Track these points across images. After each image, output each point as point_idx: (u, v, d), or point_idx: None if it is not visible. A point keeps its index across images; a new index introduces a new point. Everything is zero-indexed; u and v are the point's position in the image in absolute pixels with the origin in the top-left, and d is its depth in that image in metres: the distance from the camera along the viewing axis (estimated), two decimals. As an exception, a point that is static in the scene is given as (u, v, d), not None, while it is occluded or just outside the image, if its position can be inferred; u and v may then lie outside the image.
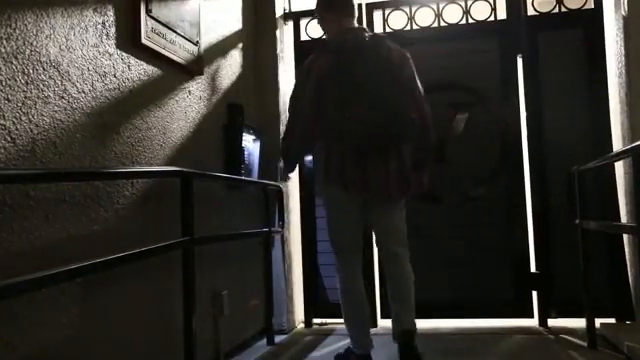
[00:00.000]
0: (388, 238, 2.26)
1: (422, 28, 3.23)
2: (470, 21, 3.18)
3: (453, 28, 3.20)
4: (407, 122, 2.13)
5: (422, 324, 3.09)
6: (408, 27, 3.26)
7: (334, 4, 2.33)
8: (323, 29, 2.43)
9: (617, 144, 2.90)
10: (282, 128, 3.26)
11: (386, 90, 2.12)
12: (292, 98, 2.32)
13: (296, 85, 2.34)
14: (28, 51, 1.46)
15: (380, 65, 2.14)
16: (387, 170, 2.17)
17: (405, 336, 2.16)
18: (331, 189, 2.21)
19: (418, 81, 2.23)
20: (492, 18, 3.16)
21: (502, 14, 3.15)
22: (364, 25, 2.90)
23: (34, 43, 1.48)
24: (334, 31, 2.31)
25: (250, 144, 2.90)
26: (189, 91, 2.37)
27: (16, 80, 1.42)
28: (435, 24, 3.22)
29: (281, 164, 2.70)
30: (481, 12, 3.18)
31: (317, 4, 2.40)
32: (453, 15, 3.21)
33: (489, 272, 3.07)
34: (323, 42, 2.28)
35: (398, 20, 3.28)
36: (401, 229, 2.26)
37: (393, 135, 2.13)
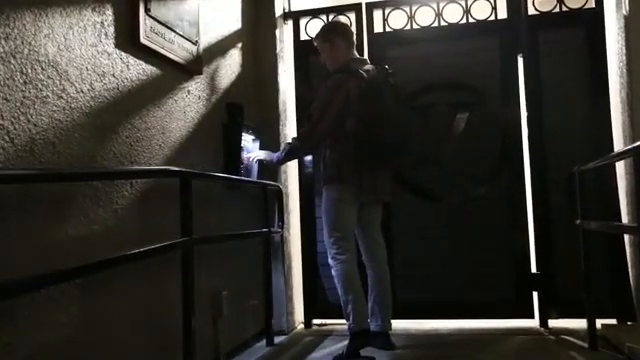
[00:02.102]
0: (374, 229, 2.68)
1: (422, 28, 3.22)
2: (470, 20, 3.17)
3: (453, 27, 3.19)
4: (413, 141, 2.57)
5: (422, 324, 3.11)
6: (408, 27, 3.25)
7: (345, 30, 2.70)
8: (329, 54, 2.66)
9: (618, 144, 2.89)
10: (282, 128, 3.25)
11: (401, 113, 2.51)
12: (318, 109, 2.52)
13: (324, 100, 2.52)
14: (26, 50, 1.45)
15: (393, 92, 2.52)
16: (385, 178, 2.64)
17: (386, 338, 2.58)
18: (343, 189, 2.52)
19: None
20: (493, 17, 3.14)
21: (502, 13, 3.14)
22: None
23: (32, 42, 1.48)
24: (343, 58, 2.61)
25: (249, 144, 2.89)
26: (188, 91, 2.36)
27: (14, 80, 1.41)
28: (435, 23, 3.21)
29: (265, 157, 2.84)
30: (481, 11, 3.16)
31: (327, 30, 2.71)
32: (453, 15, 3.20)
33: (489, 272, 3.06)
34: (346, 67, 2.57)
35: (398, 20, 3.27)
36: (378, 230, 2.71)
37: (405, 151, 2.57)
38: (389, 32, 3.25)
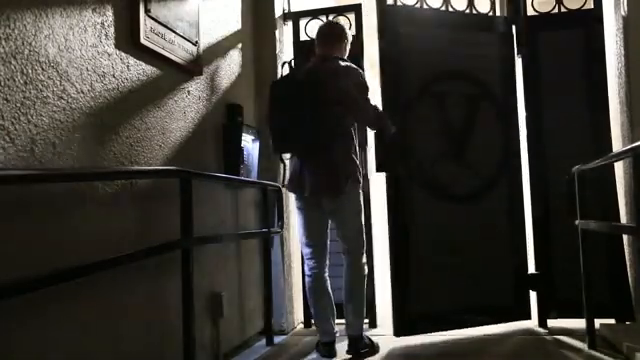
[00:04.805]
0: (341, 226, 2.58)
1: (432, 9, 3.07)
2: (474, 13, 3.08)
3: (460, 15, 3.07)
4: (332, 135, 2.47)
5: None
6: (418, 4, 3.06)
7: (320, 31, 2.72)
8: None
9: (617, 144, 2.89)
10: (282, 128, 3.25)
11: (315, 106, 2.42)
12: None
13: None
14: (27, 51, 1.46)
15: (297, 85, 2.47)
16: (320, 172, 2.49)
17: (352, 342, 2.57)
18: (295, 196, 2.62)
19: (363, 89, 2.52)
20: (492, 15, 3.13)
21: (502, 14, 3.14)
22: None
23: (33, 43, 1.48)
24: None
25: (249, 144, 2.89)
26: (188, 91, 2.37)
27: (15, 80, 1.41)
28: (443, 7, 3.07)
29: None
30: (483, 10, 3.13)
31: None
32: (459, 2, 3.09)
33: (489, 273, 3.01)
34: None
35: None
36: (351, 225, 2.56)
37: (320, 145, 2.45)
38: (400, 6, 3.05)
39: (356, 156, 2.55)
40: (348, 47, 2.72)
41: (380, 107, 2.65)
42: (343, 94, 2.48)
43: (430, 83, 2.98)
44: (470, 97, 3.02)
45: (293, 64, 2.64)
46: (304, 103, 2.42)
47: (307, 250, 2.59)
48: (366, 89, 2.53)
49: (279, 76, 2.58)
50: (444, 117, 2.98)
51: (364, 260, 2.60)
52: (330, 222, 2.60)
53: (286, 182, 2.62)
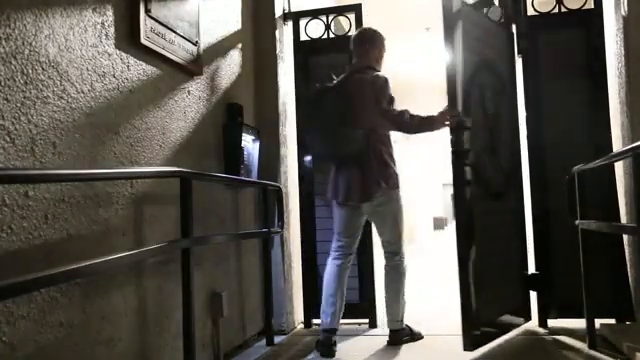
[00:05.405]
0: (379, 232, 2.78)
1: None
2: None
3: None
4: (349, 140, 2.56)
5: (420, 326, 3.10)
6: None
7: (351, 41, 2.81)
8: None
9: (617, 144, 2.89)
10: (282, 128, 3.26)
11: (346, 119, 2.56)
12: None
13: None
14: (27, 51, 1.46)
15: (331, 95, 2.61)
16: (354, 178, 2.61)
17: (390, 335, 2.77)
18: (333, 200, 2.77)
19: (382, 96, 2.60)
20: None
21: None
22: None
23: (33, 43, 1.48)
24: None
25: (249, 144, 2.89)
26: (188, 91, 2.37)
27: (15, 80, 1.41)
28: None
29: None
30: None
31: None
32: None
33: (510, 273, 2.93)
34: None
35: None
36: (388, 229, 2.73)
37: (352, 155, 2.56)
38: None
39: (393, 162, 2.65)
40: (383, 52, 2.79)
41: (406, 111, 2.63)
42: (366, 107, 2.60)
43: (478, 72, 2.75)
44: (497, 91, 2.93)
45: (332, 78, 2.72)
46: (336, 116, 2.56)
47: (335, 244, 2.72)
48: (386, 97, 2.61)
49: (317, 87, 2.70)
50: (484, 109, 2.79)
51: (400, 262, 2.73)
52: (364, 223, 2.76)
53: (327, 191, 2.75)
